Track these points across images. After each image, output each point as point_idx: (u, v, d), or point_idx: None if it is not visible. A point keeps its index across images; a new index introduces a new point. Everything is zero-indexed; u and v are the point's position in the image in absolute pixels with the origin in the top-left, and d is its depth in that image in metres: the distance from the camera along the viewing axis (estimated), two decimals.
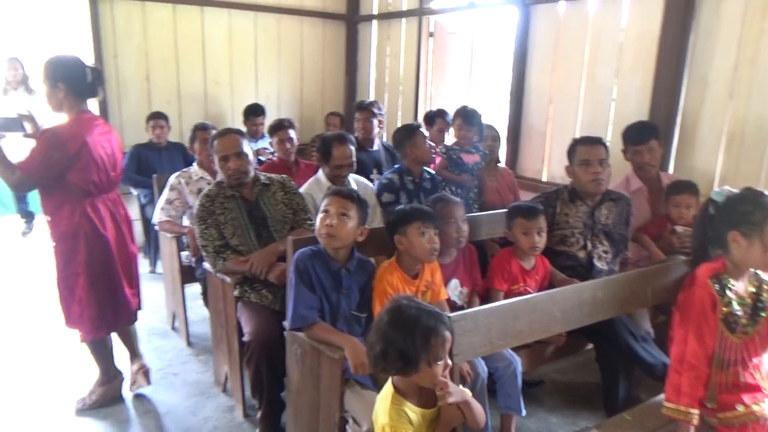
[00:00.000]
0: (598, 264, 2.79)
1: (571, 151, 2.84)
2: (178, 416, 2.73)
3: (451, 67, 5.33)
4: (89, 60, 4.54)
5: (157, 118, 4.74)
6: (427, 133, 4.70)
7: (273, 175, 2.90)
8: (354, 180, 3.22)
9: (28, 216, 5.77)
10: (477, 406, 1.51)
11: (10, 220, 6.06)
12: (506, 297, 2.57)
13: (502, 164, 4.01)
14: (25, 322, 3.68)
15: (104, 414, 2.73)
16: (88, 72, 2.50)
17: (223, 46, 5.46)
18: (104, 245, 2.60)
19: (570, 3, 4.07)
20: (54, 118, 3.51)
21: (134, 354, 2.92)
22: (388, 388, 1.52)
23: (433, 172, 3.51)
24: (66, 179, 2.46)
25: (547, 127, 4.31)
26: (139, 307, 2.88)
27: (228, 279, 2.62)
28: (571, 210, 2.83)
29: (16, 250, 5.29)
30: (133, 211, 5.02)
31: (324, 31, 6.00)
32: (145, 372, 2.89)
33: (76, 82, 2.49)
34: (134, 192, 4.75)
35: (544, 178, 4.34)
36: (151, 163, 4.67)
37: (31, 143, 2.47)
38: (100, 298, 2.63)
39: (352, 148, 3.13)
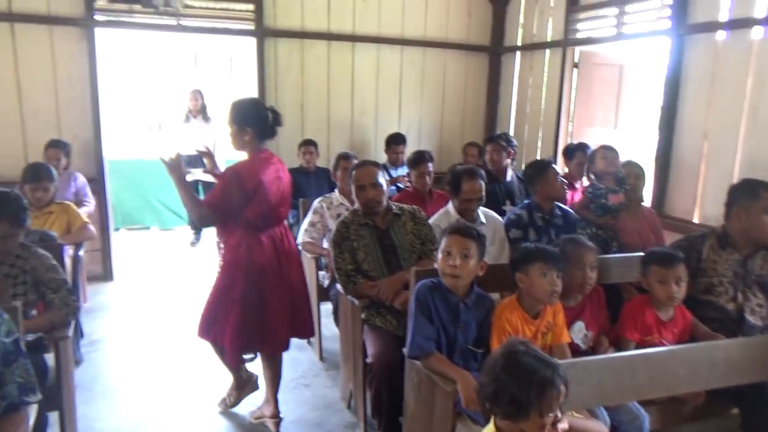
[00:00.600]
0: (751, 318, 2.54)
1: (736, 195, 2.61)
2: (305, 426, 2.95)
3: (596, 98, 5.16)
4: (253, 93, 5.17)
5: (308, 144, 5.15)
6: (566, 168, 4.61)
7: (404, 206, 3.04)
8: (483, 213, 3.25)
9: (198, 228, 6.53)
10: None
11: (183, 231, 6.93)
12: (638, 348, 2.44)
13: (644, 203, 3.79)
14: (179, 326, 4.19)
15: (240, 416, 3.03)
16: (270, 115, 2.69)
17: (370, 77, 5.80)
18: (263, 278, 2.70)
19: (731, 32, 3.77)
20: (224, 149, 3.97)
21: (272, 395, 2.92)
22: (491, 428, 1.54)
23: (566, 208, 3.43)
24: (240, 214, 2.63)
25: (700, 164, 3.99)
26: (308, 334, 3.04)
27: (357, 302, 2.80)
28: (720, 257, 2.61)
29: (184, 258, 6.03)
30: None
31: (467, 63, 6.12)
32: (276, 423, 2.88)
33: (260, 125, 2.67)
34: None
35: (696, 220, 4.01)
36: (300, 186, 5.07)
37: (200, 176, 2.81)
38: (250, 328, 2.71)
39: (482, 182, 3.16)
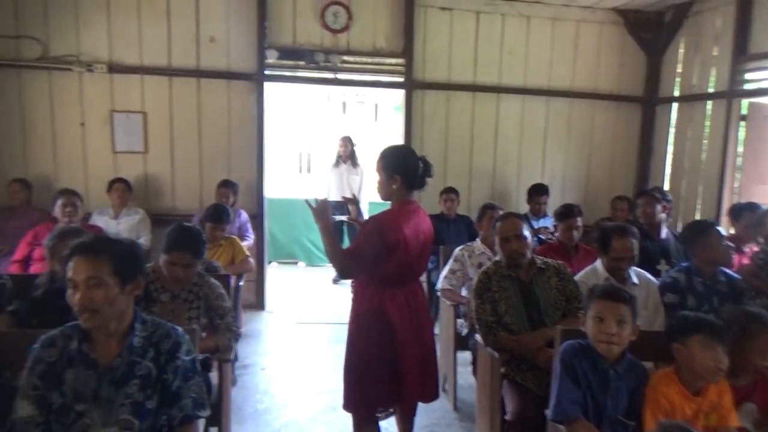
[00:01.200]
0: None
1: None
2: None
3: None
4: (397, 140, 5.40)
5: (449, 192, 5.25)
6: (732, 229, 4.23)
7: (549, 260, 2.97)
8: (636, 273, 3.07)
9: None
10: None
11: (328, 268, 7.32)
12: None
13: None
14: (323, 356, 4.39)
15: None
16: (420, 165, 2.54)
17: (515, 128, 5.81)
18: (393, 334, 2.53)
19: None
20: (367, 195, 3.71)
21: None
22: None
23: (733, 273, 3.13)
24: (378, 267, 2.49)
25: None
26: (433, 397, 2.77)
27: (497, 355, 2.76)
28: None
29: (328, 293, 6.34)
30: None
31: (617, 114, 5.92)
32: None
33: (410, 174, 2.53)
34: None
35: None
36: (440, 232, 5.15)
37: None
38: (380, 385, 2.57)
39: (634, 241, 3.01)
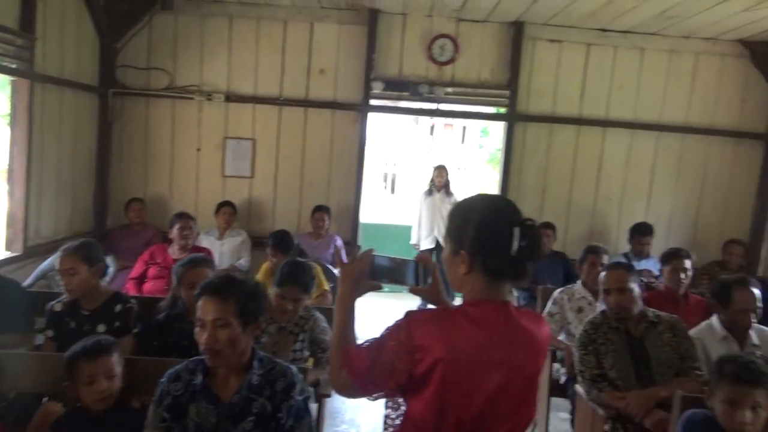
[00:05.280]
0: None
1: None
2: None
3: None
4: (490, 173, 5.28)
5: (546, 227, 5.08)
6: None
7: (662, 314, 2.81)
8: (757, 332, 2.84)
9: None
10: None
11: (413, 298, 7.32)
12: None
13: None
14: None
15: None
16: (517, 237, 1.35)
17: (619, 164, 5.58)
18: None
19: None
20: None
21: None
22: None
23: None
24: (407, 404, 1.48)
25: None
26: None
27: (600, 411, 2.64)
28: None
29: None
30: None
31: (735, 151, 5.53)
32: None
33: (490, 252, 1.39)
34: (515, 293, 5.18)
35: None
36: (538, 269, 5.05)
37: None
38: None
39: (757, 291, 2.79)
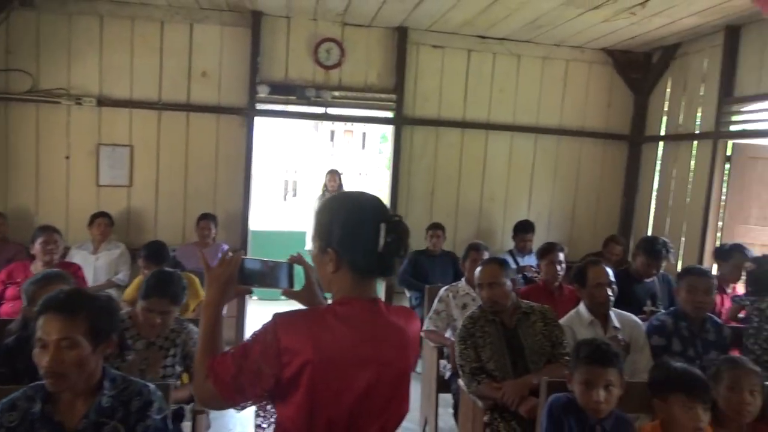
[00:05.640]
0: None
1: None
2: None
3: (752, 194, 4.74)
4: (384, 173, 5.37)
5: (436, 228, 5.24)
6: (717, 269, 4.23)
7: (535, 305, 2.95)
8: (617, 316, 3.05)
9: None
10: None
11: None
12: None
13: None
14: None
15: None
16: (383, 233, 1.35)
17: (502, 165, 5.83)
18: None
19: None
20: None
21: None
22: None
23: (720, 322, 3.11)
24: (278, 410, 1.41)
25: None
26: None
27: (480, 403, 2.71)
28: None
29: None
30: None
31: (604, 152, 5.96)
32: None
33: (358, 249, 1.38)
34: (407, 293, 5.26)
35: None
36: (425, 268, 5.14)
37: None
38: None
39: (609, 270, 3.02)
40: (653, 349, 2.96)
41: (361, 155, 27.04)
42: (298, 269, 1.57)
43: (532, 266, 4.95)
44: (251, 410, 1.43)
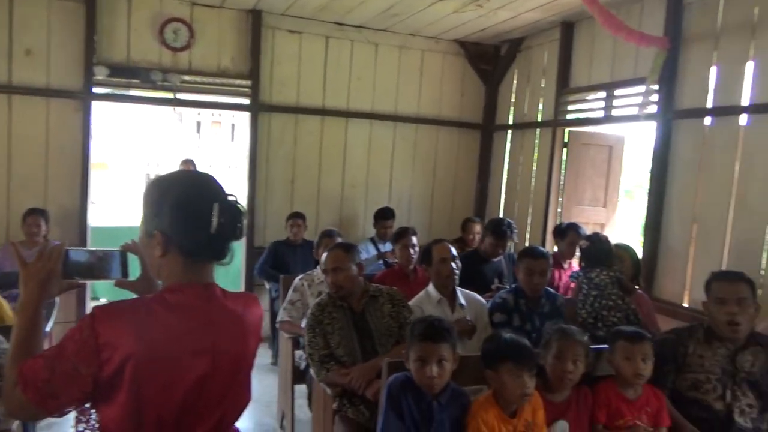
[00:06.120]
0: (740, 420, 2.40)
1: (708, 286, 2.57)
2: None
3: (585, 178, 5.17)
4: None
5: (296, 217, 5.13)
6: (555, 247, 4.56)
7: (383, 287, 2.95)
8: (463, 295, 3.16)
9: None
10: None
11: None
12: None
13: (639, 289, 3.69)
14: None
15: None
16: (215, 215, 1.26)
17: (362, 152, 5.85)
18: None
19: (717, 119, 3.81)
20: None
21: None
22: None
23: (553, 292, 3.33)
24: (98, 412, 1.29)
25: (689, 248, 3.94)
26: None
27: (329, 390, 2.66)
28: (706, 352, 2.50)
29: None
30: (264, 303, 5.40)
31: (459, 140, 6.20)
32: None
33: (188, 232, 1.29)
34: (267, 285, 5.10)
35: (685, 303, 3.91)
36: (285, 258, 5.02)
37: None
38: None
39: (452, 247, 3.14)
40: (496, 325, 3.09)
41: (231, 147, 26.01)
42: (133, 258, 1.46)
43: (392, 252, 5.02)
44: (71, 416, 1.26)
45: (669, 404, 2.43)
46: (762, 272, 3.40)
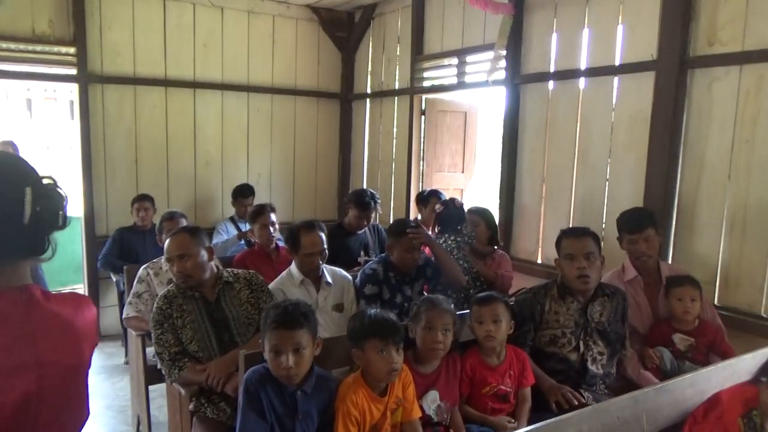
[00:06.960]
0: (592, 368, 2.54)
1: (558, 243, 2.66)
2: None
3: (443, 144, 5.24)
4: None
5: (142, 200, 4.64)
6: (419, 215, 4.57)
7: (240, 271, 2.71)
8: (330, 272, 3.02)
9: None
10: None
11: None
12: (480, 401, 2.39)
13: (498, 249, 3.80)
14: None
15: None
16: (28, 201, 1.04)
17: (215, 126, 5.44)
18: None
19: (558, 82, 3.99)
20: None
21: None
22: None
23: (427, 256, 3.26)
24: None
25: (540, 207, 4.14)
26: None
27: (183, 391, 2.40)
28: (561, 307, 2.60)
29: None
30: (111, 298, 4.88)
31: (317, 110, 5.99)
32: None
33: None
34: (114, 278, 4.60)
35: (539, 260, 4.13)
36: (133, 246, 4.55)
37: None
38: None
39: (323, 235, 2.94)
40: (368, 298, 2.99)
41: (71, 127, 23.43)
42: None
43: (253, 231, 4.75)
44: None
45: (531, 362, 2.50)
46: (604, 226, 3.64)
